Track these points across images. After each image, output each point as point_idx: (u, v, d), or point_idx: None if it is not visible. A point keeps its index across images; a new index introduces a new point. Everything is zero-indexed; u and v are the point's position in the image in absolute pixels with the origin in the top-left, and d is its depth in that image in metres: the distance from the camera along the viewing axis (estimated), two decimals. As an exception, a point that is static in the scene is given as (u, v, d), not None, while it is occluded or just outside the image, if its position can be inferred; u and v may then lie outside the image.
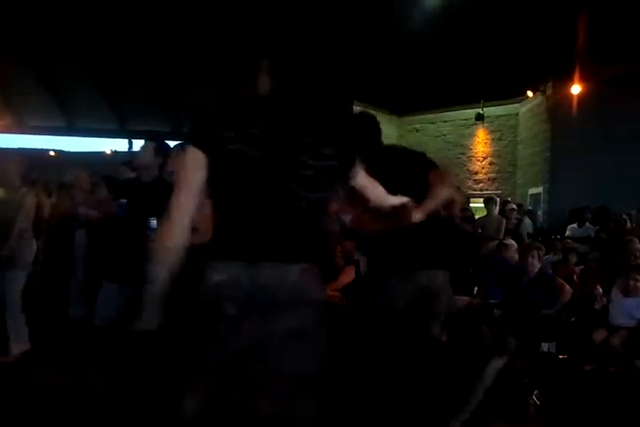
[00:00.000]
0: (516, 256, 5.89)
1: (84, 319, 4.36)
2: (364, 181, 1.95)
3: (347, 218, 2.92)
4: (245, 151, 1.72)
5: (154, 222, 3.85)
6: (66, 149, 20.18)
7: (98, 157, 18.81)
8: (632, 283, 5.17)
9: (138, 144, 4.56)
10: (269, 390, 1.63)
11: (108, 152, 20.18)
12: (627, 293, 5.20)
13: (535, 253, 5.45)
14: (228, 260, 1.77)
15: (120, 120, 21.07)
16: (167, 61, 17.65)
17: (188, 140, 1.79)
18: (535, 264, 5.38)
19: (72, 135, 21.47)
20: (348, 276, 6.53)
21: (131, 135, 20.35)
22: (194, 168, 1.78)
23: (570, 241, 7.92)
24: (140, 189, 4.23)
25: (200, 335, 1.69)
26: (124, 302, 4.13)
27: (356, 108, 15.53)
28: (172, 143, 4.41)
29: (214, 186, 1.82)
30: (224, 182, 1.78)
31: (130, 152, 19.36)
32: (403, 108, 16.02)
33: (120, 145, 20.74)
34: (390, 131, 16.67)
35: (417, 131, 16.41)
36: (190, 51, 16.99)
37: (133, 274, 4.07)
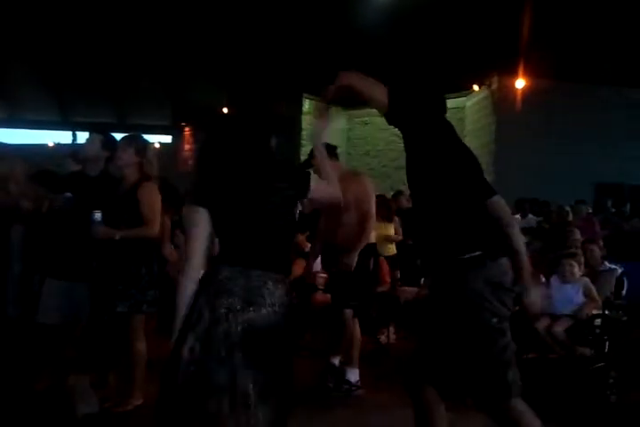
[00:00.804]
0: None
1: (22, 317, 4.24)
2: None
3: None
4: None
5: (97, 215, 3.78)
6: (6, 142, 19.56)
7: (40, 149, 18.30)
8: (568, 268, 5.31)
9: (82, 136, 4.46)
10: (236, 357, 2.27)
11: (51, 144, 19.67)
12: (565, 279, 5.34)
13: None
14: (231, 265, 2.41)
15: (63, 112, 20.52)
16: (111, 52, 17.25)
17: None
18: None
19: (13, 127, 20.82)
20: (299, 268, 6.55)
21: (74, 127, 19.87)
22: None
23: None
24: (85, 183, 4.15)
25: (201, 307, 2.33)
26: (71, 299, 4.05)
27: (306, 101, 15.58)
28: (117, 135, 4.34)
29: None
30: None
31: (73, 144, 18.91)
32: (351, 100, 16.04)
33: (63, 137, 20.24)
34: (339, 124, 16.71)
35: (366, 124, 16.50)
36: (134, 42, 16.65)
37: (84, 271, 4.01)
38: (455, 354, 2.65)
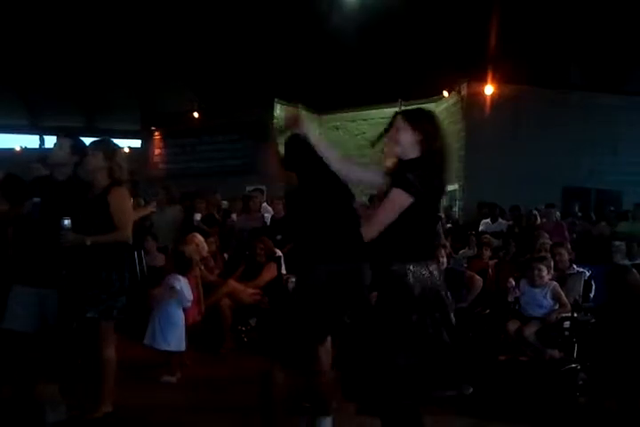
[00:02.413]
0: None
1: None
2: None
3: None
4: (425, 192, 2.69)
5: (67, 222, 3.73)
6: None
7: (7, 154, 18.01)
8: (537, 273, 5.39)
9: (50, 141, 4.39)
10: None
11: (18, 149, 19.36)
12: (533, 283, 5.42)
13: (442, 251, 5.62)
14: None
15: (31, 115, 20.20)
16: (80, 56, 17.05)
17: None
18: (443, 262, 5.55)
19: (-21, 131, 20.45)
20: (271, 273, 6.54)
21: (42, 131, 19.57)
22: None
23: (488, 236, 8.19)
24: (53, 188, 4.08)
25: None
26: (40, 306, 3.98)
27: (277, 106, 15.56)
28: (86, 140, 4.28)
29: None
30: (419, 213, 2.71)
31: (41, 149, 18.63)
32: (323, 105, 16.11)
33: (31, 141, 19.93)
34: (311, 129, 16.72)
35: (337, 129, 16.54)
36: (103, 46, 16.50)
37: (53, 278, 3.94)
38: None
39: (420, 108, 3.01)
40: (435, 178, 2.72)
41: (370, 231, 2.72)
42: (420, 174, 2.64)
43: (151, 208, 6.61)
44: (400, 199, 2.63)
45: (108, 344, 3.90)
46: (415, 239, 2.73)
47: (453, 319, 2.83)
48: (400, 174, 2.68)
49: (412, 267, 2.67)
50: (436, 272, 2.74)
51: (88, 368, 4.03)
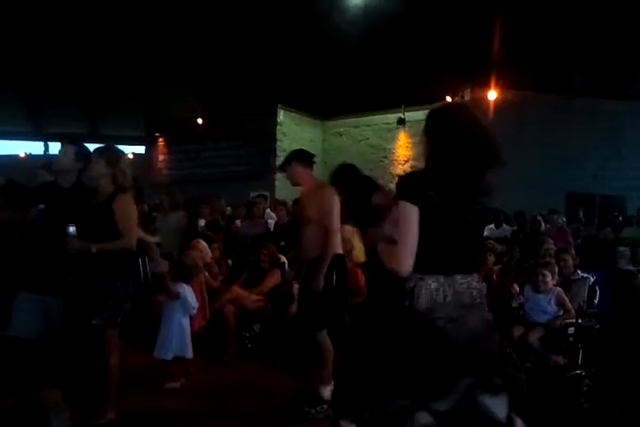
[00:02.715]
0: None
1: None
2: None
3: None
4: (441, 202, 2.40)
5: (72, 229, 3.74)
6: (-23, 153, 19.30)
7: (11, 160, 18.06)
8: (541, 278, 5.38)
9: (54, 147, 4.40)
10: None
11: (22, 155, 19.41)
12: (538, 289, 5.41)
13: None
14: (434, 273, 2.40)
15: (35, 122, 20.26)
16: (84, 62, 17.12)
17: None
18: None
19: (-17, 138, 20.51)
20: (274, 279, 6.54)
21: (46, 138, 19.62)
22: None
23: (492, 241, 8.18)
24: (58, 195, 4.10)
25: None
26: (45, 313, 3.99)
27: (280, 111, 15.60)
28: (90, 146, 4.30)
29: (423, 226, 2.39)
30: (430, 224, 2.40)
31: (46, 155, 18.67)
32: (326, 111, 16.15)
33: (35, 148, 19.98)
34: (314, 135, 16.75)
35: (340, 135, 16.57)
36: (107, 52, 16.56)
37: (58, 285, 3.95)
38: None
39: (431, 110, 2.64)
40: (441, 185, 2.40)
41: (401, 260, 2.40)
42: (418, 182, 2.42)
43: (154, 239, 6.45)
44: (406, 211, 2.38)
45: (113, 351, 3.91)
46: (427, 251, 2.39)
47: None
48: (399, 186, 2.49)
49: (421, 279, 2.41)
50: (447, 287, 2.40)
51: (92, 375, 4.03)
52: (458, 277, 2.41)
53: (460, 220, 2.42)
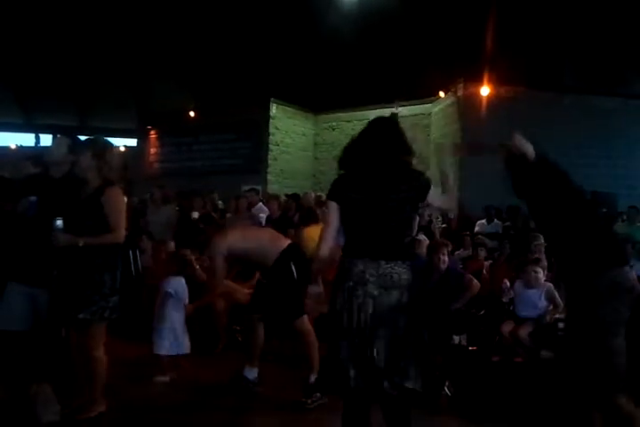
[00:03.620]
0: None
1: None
2: None
3: None
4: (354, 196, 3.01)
5: (59, 223, 3.72)
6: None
7: (1, 152, 17.94)
8: (533, 275, 5.40)
9: (45, 139, 4.39)
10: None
11: (13, 147, 19.30)
12: (529, 285, 5.43)
13: (444, 249, 5.60)
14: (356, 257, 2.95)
15: (26, 114, 20.15)
16: (75, 54, 17.02)
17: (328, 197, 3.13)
18: (445, 261, 5.53)
19: (-27, 129, 20.38)
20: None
21: (37, 130, 19.52)
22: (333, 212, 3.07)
23: (481, 237, 8.20)
24: (50, 185, 4.07)
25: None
26: (33, 305, 3.97)
27: (273, 105, 15.57)
28: (81, 138, 4.27)
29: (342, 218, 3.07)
30: (345, 216, 3.05)
31: (36, 147, 18.58)
32: (319, 105, 16.12)
33: (26, 140, 19.87)
34: (307, 128, 16.74)
35: (333, 129, 16.55)
36: (98, 44, 16.47)
37: (45, 277, 3.93)
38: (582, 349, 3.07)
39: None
40: (357, 186, 3.02)
41: (320, 246, 3.13)
42: (341, 185, 3.10)
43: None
44: (329, 208, 3.12)
45: (98, 345, 3.88)
46: (353, 238, 3.06)
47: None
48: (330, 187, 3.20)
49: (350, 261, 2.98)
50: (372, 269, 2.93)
51: (80, 368, 4.01)
52: (382, 262, 2.91)
53: (377, 211, 2.95)
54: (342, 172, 3.16)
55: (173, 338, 5.08)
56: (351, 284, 2.91)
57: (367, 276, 2.89)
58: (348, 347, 2.89)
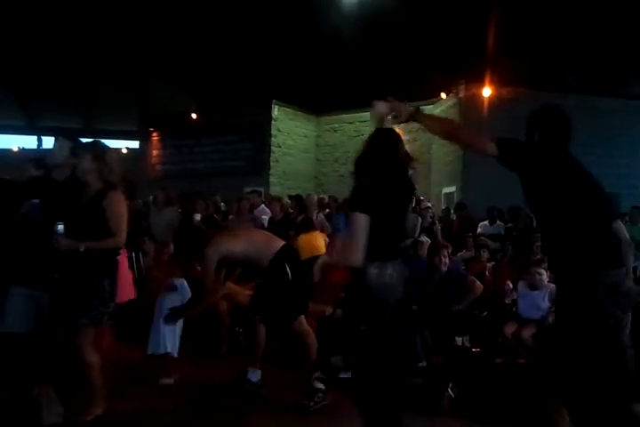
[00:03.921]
0: (431, 254, 6.01)
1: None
2: None
3: None
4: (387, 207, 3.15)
5: (60, 227, 3.72)
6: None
7: (4, 154, 17.99)
8: (537, 276, 5.40)
9: (48, 141, 4.39)
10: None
11: (15, 150, 19.35)
12: (532, 286, 5.42)
13: (444, 251, 5.60)
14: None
15: (28, 116, 20.19)
16: (77, 57, 17.05)
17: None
18: (445, 262, 5.53)
19: (-24, 132, 20.43)
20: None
21: (40, 132, 19.56)
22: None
23: (484, 238, 8.18)
24: (53, 188, 4.08)
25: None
26: (36, 307, 3.98)
27: (275, 107, 15.58)
28: (83, 141, 4.28)
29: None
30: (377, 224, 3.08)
31: (39, 150, 18.61)
32: (321, 107, 16.14)
33: (28, 142, 19.92)
34: (309, 130, 16.75)
35: (335, 130, 16.57)
36: (100, 47, 16.50)
37: (47, 280, 3.93)
38: (581, 357, 2.98)
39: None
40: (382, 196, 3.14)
41: (354, 254, 3.11)
42: (367, 195, 3.16)
43: None
44: (358, 220, 3.12)
45: (88, 350, 3.84)
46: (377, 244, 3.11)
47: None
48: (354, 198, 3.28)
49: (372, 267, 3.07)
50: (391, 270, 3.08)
51: (80, 371, 4.01)
52: (395, 261, 3.11)
53: (402, 219, 3.25)
54: (354, 181, 3.24)
55: (168, 339, 5.06)
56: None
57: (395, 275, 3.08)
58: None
